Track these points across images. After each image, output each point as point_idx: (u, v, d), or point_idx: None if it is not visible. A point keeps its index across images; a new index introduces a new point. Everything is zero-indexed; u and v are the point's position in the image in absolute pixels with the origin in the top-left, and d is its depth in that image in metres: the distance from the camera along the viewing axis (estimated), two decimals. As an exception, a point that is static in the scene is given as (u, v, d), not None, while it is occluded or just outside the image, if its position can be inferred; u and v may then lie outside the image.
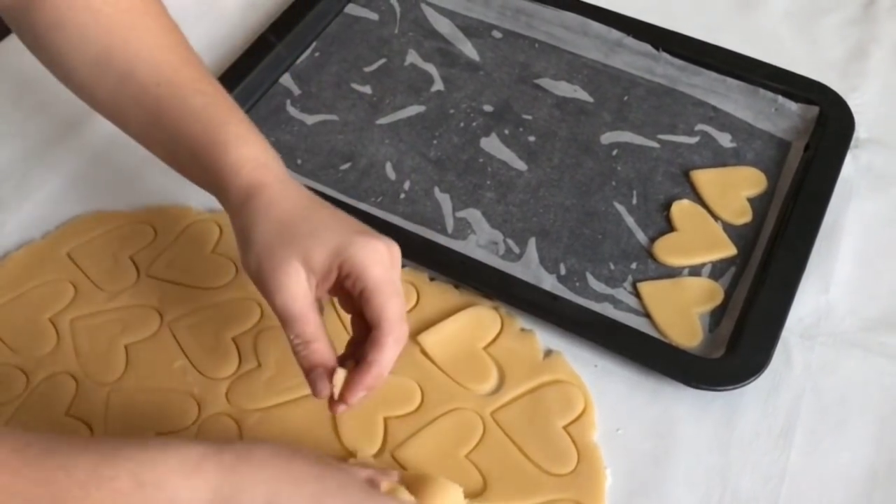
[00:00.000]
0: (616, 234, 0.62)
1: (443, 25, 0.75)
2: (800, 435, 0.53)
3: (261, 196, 0.47)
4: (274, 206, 0.47)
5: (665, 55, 0.70)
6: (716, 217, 0.63)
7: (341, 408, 0.46)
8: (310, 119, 0.68)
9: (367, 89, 0.70)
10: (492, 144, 0.67)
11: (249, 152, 0.49)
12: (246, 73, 0.69)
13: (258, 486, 0.40)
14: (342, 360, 0.47)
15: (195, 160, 0.50)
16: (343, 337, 0.56)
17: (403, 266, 0.59)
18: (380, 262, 0.46)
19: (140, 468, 0.39)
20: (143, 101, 0.51)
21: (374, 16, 0.75)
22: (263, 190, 0.47)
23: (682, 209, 0.63)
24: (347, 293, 0.47)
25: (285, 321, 0.46)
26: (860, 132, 0.67)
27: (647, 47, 0.71)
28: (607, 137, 0.67)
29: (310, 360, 0.46)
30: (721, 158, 0.66)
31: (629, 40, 0.71)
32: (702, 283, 0.59)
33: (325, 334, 0.47)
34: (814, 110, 0.67)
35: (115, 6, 0.52)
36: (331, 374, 0.46)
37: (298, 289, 0.45)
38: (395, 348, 0.46)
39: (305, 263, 0.45)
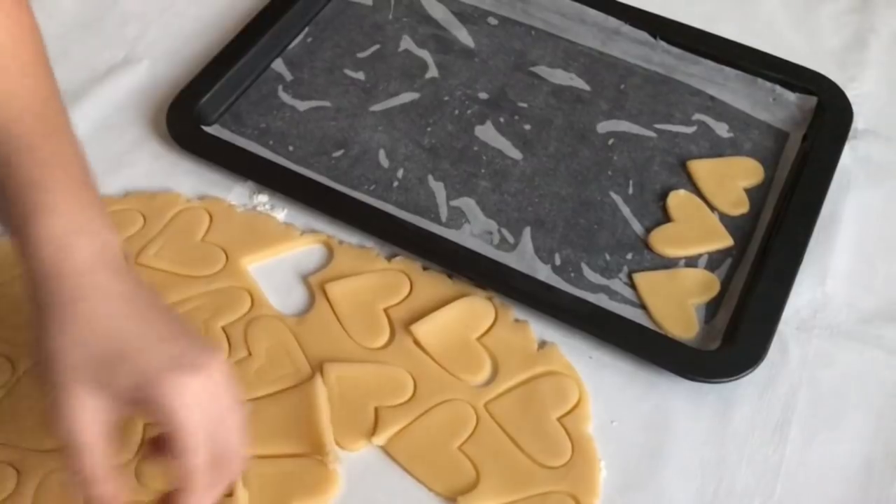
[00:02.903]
0: (612, 224, 0.61)
1: (437, 11, 0.74)
2: (796, 427, 0.53)
3: (57, 292, 0.39)
4: (72, 310, 0.39)
5: (662, 43, 0.70)
6: (712, 208, 0.62)
7: None
8: (302, 105, 0.67)
9: (360, 75, 0.69)
10: (487, 132, 0.66)
11: (54, 227, 0.40)
12: (237, 57, 0.68)
13: None
14: None
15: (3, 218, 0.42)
16: (335, 334, 0.56)
17: (397, 255, 0.59)
18: (188, 405, 0.38)
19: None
20: None
21: (367, 1, 0.74)
22: (62, 283, 0.39)
23: (678, 199, 0.62)
24: None
25: (67, 452, 0.38)
26: (858, 123, 0.66)
27: (645, 35, 0.70)
28: (604, 126, 0.66)
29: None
30: (718, 148, 0.65)
31: (626, 28, 0.70)
32: (698, 275, 0.59)
33: (114, 476, 0.39)
34: (812, 100, 0.66)
35: None
36: None
37: (86, 416, 0.38)
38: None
39: (105, 388, 0.38)
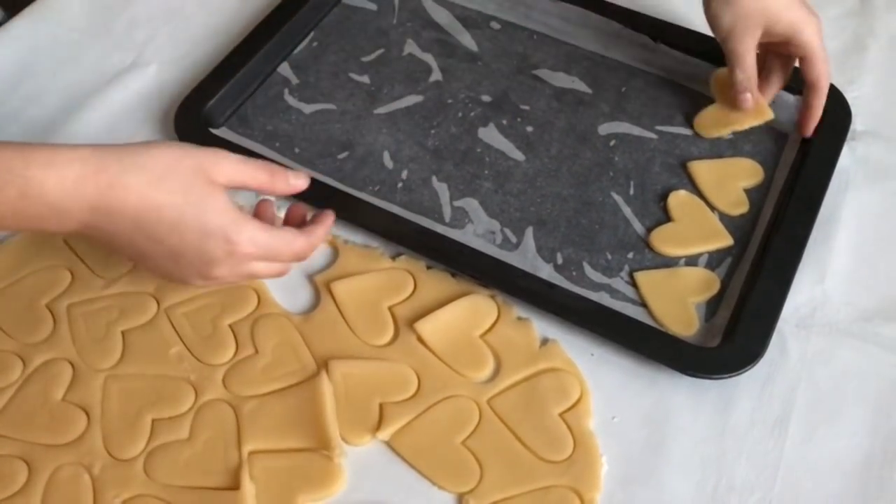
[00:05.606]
0: (613, 224, 0.62)
1: (441, 16, 0.75)
2: (795, 424, 0.53)
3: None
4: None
5: (663, 47, 0.70)
6: (713, 208, 0.63)
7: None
8: (308, 108, 0.68)
9: (365, 79, 0.70)
10: (490, 134, 0.67)
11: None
12: (244, 62, 0.69)
13: (126, 215, 0.46)
14: None
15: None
16: (340, 332, 0.56)
17: (401, 254, 0.60)
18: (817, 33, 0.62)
19: (26, 183, 0.45)
20: None
21: (372, 6, 0.75)
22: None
23: (679, 200, 0.63)
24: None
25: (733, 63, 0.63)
26: (857, 124, 0.67)
27: (645, 39, 0.71)
28: (605, 128, 0.67)
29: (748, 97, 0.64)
30: (718, 150, 0.66)
31: (627, 32, 0.71)
32: (698, 273, 0.59)
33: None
34: (811, 102, 0.67)
35: None
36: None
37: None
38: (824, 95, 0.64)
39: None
